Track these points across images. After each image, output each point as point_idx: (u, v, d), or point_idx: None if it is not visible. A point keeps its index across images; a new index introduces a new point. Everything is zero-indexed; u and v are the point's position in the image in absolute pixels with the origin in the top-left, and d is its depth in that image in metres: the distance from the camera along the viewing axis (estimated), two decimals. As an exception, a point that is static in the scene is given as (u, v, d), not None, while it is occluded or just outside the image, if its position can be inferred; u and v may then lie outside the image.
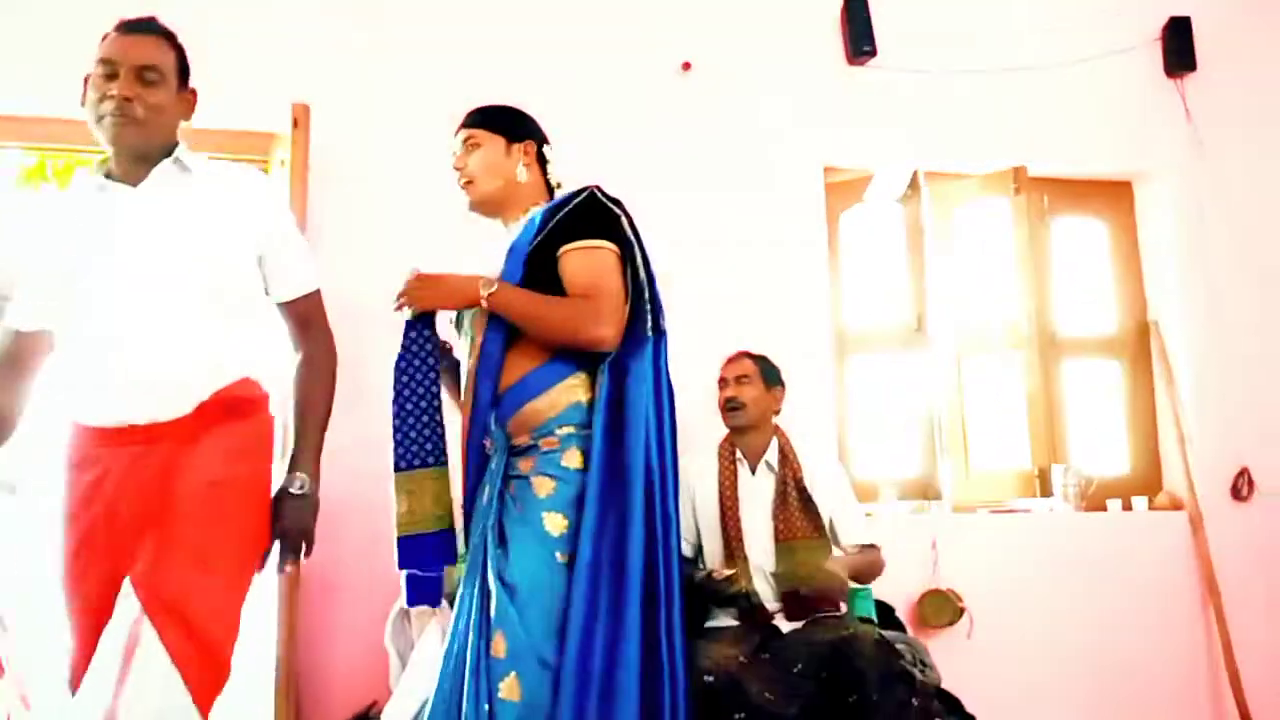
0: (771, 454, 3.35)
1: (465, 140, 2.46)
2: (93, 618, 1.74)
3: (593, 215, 2.32)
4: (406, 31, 3.94)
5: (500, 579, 2.13)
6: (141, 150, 2.07)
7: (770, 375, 3.42)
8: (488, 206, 2.47)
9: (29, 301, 2.08)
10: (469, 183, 2.45)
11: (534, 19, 4.06)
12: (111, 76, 2.03)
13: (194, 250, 2.04)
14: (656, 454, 2.27)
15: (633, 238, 2.35)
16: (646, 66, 4.13)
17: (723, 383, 3.43)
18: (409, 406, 2.31)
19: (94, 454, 1.96)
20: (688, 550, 3.37)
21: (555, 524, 2.17)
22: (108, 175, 2.10)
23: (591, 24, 4.12)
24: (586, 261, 2.27)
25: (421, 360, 2.34)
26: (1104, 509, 4.34)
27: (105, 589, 1.75)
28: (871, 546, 3.31)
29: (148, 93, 2.04)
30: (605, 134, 3.97)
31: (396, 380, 2.33)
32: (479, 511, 2.26)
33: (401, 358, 2.34)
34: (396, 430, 2.31)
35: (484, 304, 2.27)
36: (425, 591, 2.56)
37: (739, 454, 3.37)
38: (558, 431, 2.25)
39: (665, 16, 4.20)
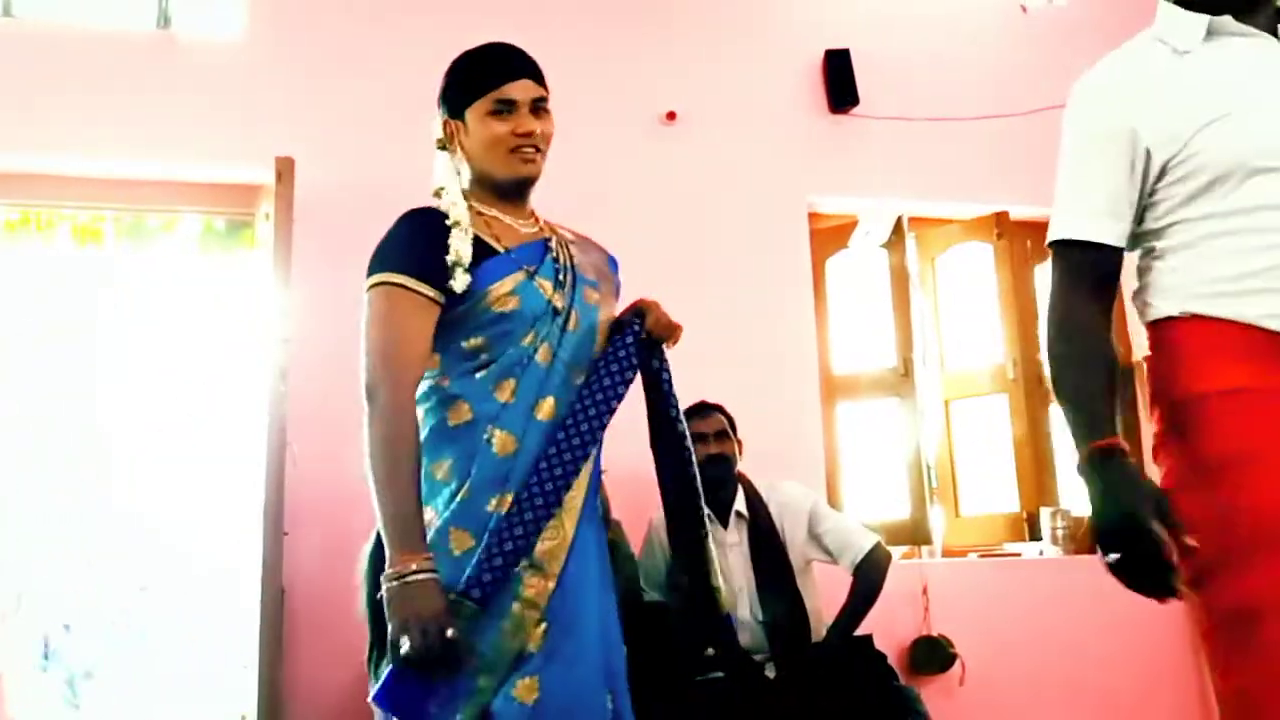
0: (740, 503, 3.34)
1: (539, 101, 1.96)
2: None
3: None
4: (388, 83, 3.97)
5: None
6: None
7: (733, 426, 3.42)
8: (523, 189, 2.02)
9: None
10: (538, 155, 1.96)
11: (518, 71, 4.09)
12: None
13: None
14: None
15: None
16: (631, 116, 4.17)
17: (700, 438, 3.34)
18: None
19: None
20: (659, 597, 3.36)
21: None
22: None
23: (577, 74, 4.14)
24: None
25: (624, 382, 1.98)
26: (1093, 552, 4.31)
27: None
28: (870, 555, 3.29)
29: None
30: (590, 182, 3.99)
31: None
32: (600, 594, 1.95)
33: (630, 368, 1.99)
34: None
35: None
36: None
37: (707, 511, 3.34)
38: None
39: (650, 67, 4.25)
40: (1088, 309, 1.66)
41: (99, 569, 4.30)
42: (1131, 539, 1.50)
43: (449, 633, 1.67)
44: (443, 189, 1.97)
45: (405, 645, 1.67)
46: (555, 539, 1.82)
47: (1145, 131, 1.61)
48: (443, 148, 2.00)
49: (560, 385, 1.90)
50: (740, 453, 3.41)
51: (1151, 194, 1.64)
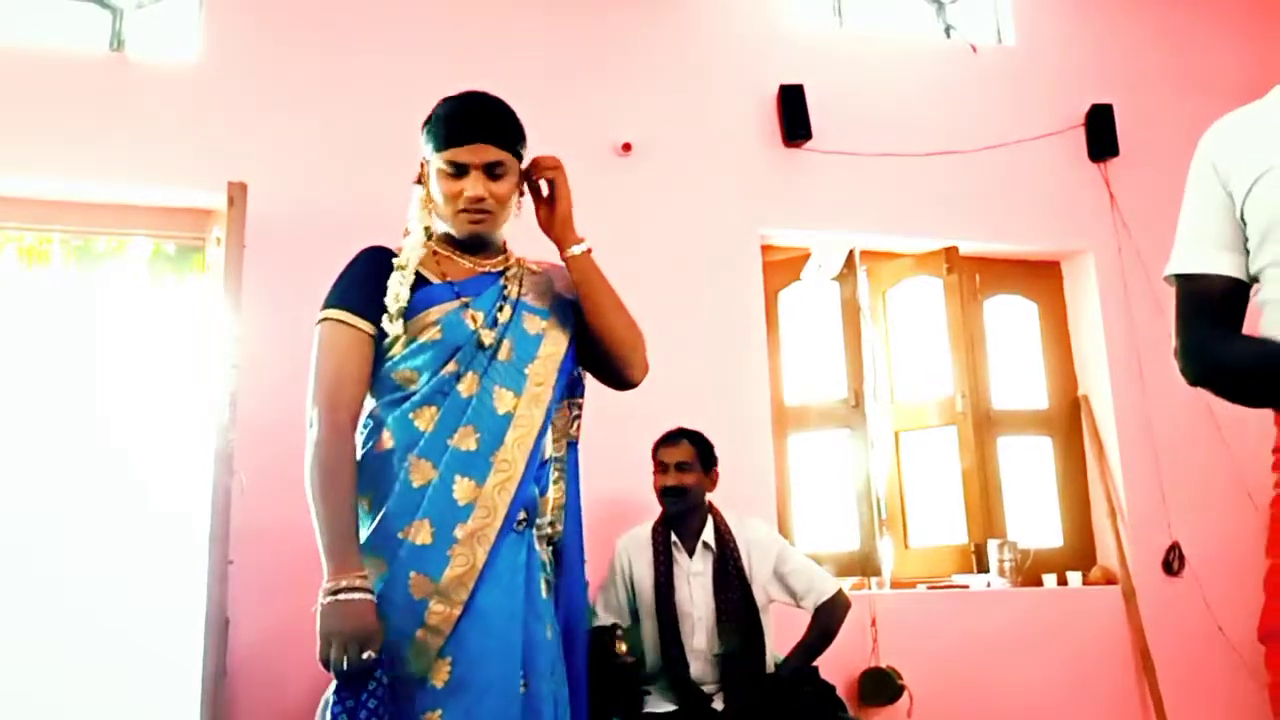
0: (708, 534, 3.34)
1: (494, 167, 1.95)
2: None
3: None
4: (342, 110, 3.96)
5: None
6: None
7: (708, 457, 3.41)
8: (480, 242, 2.04)
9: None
10: (487, 216, 1.97)
11: (474, 99, 4.10)
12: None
13: None
14: None
15: None
16: (587, 146, 4.17)
17: (661, 467, 3.38)
18: None
19: None
20: (617, 619, 3.36)
21: None
22: None
23: (533, 104, 4.14)
24: None
25: None
26: (1039, 584, 4.38)
27: None
28: (832, 599, 3.32)
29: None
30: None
31: None
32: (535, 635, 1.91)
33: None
34: None
35: (579, 250, 2.06)
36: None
37: (674, 538, 3.35)
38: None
39: (606, 98, 4.27)
40: (1203, 332, 1.69)
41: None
42: None
43: (366, 654, 1.71)
44: (408, 230, 2.01)
45: (330, 658, 1.72)
46: (464, 566, 1.82)
47: (1228, 179, 1.60)
48: (419, 183, 2.04)
49: (486, 415, 1.90)
50: (713, 485, 3.41)
51: (1246, 240, 1.60)
